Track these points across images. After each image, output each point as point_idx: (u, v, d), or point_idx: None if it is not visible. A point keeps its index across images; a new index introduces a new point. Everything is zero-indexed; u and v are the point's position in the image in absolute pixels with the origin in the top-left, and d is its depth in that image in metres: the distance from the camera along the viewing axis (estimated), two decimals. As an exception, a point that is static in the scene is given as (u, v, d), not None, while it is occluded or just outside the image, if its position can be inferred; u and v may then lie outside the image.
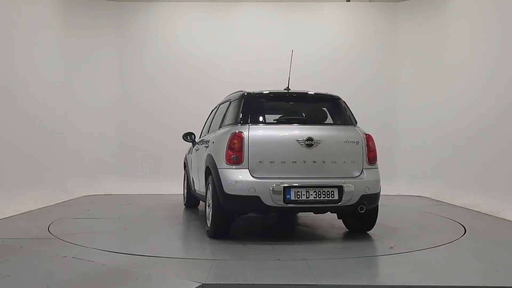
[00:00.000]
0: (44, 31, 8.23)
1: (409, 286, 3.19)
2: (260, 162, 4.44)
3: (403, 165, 9.57)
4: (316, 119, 5.12)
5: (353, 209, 4.56)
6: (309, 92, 5.21)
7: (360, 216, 4.85)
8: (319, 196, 4.39)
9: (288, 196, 4.33)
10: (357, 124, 5.05)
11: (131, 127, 9.70)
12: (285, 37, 9.75)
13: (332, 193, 4.41)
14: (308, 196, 4.38)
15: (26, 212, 6.53)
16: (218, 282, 3.23)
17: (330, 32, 9.84)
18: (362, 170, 4.63)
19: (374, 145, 4.80)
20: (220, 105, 6.00)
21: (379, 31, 9.86)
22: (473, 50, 7.83)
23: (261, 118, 4.83)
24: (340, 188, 4.42)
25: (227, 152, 4.48)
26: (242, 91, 5.19)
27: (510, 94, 6.56)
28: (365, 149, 4.68)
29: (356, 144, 4.65)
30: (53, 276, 3.39)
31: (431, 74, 9.29)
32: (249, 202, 4.36)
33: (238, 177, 4.39)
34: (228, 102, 5.44)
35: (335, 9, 9.89)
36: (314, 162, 4.49)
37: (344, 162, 4.59)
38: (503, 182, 6.65)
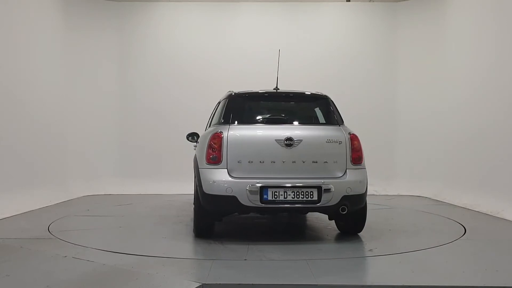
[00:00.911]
0: (44, 31, 8.23)
1: (409, 286, 3.19)
2: (238, 162, 4.45)
3: (403, 165, 9.58)
4: (298, 119, 5.09)
5: (334, 210, 4.49)
6: (294, 92, 5.18)
7: (348, 218, 4.81)
8: (298, 196, 4.36)
9: (265, 196, 4.33)
10: (344, 124, 4.95)
11: (131, 127, 9.70)
12: (285, 37, 9.76)
13: (311, 193, 4.37)
14: (286, 197, 4.36)
15: (26, 212, 6.53)
16: (218, 282, 3.23)
17: (330, 32, 9.84)
18: (346, 170, 4.54)
19: (360, 145, 4.67)
20: (217, 104, 6.03)
21: (379, 31, 9.86)
22: (473, 50, 7.83)
23: (243, 118, 4.86)
24: (319, 189, 4.36)
25: (207, 152, 4.53)
26: (230, 92, 5.20)
27: (510, 94, 6.56)
28: (348, 149, 4.57)
29: (339, 144, 4.57)
30: (53, 276, 3.40)
31: (431, 74, 9.29)
32: (226, 202, 4.38)
33: (216, 177, 4.41)
34: (219, 102, 5.47)
35: (335, 9, 9.90)
36: (294, 162, 4.46)
37: (326, 162, 4.51)
38: (503, 182, 6.65)
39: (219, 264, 3.73)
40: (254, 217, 6.18)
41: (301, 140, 4.49)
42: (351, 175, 4.54)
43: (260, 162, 4.45)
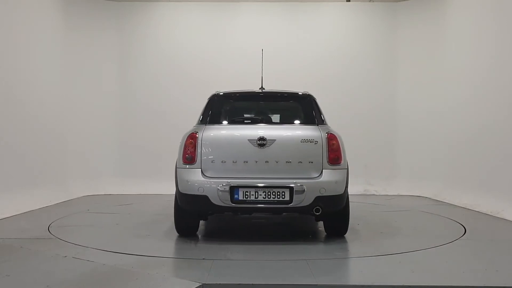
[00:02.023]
0: (44, 31, 8.23)
1: (409, 286, 3.19)
2: (212, 162, 4.50)
3: (403, 165, 9.58)
4: (275, 119, 5.08)
5: (307, 211, 4.43)
6: (276, 92, 5.14)
7: (331, 219, 4.76)
8: (269, 196, 4.34)
9: (236, 196, 4.34)
10: (325, 123, 4.85)
11: (131, 127, 9.70)
12: (285, 37, 9.77)
13: (283, 194, 4.33)
14: (257, 197, 4.35)
15: (26, 212, 6.53)
16: (218, 282, 3.23)
17: (330, 32, 9.84)
18: (322, 171, 4.46)
19: (338, 145, 4.54)
20: None
21: (379, 31, 9.86)
22: (473, 50, 7.83)
23: (220, 119, 4.90)
24: (291, 189, 4.32)
25: (183, 152, 4.59)
26: (214, 92, 5.23)
27: (510, 94, 6.56)
28: (325, 149, 4.48)
29: (315, 144, 4.48)
30: (53, 276, 3.39)
31: (431, 74, 9.28)
32: (199, 202, 4.42)
33: (190, 177, 4.47)
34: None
35: (335, 9, 9.89)
36: (267, 162, 4.44)
37: (300, 162, 4.45)
38: (503, 182, 6.65)
39: (219, 264, 3.73)
40: (253, 217, 6.19)
41: (274, 140, 4.46)
42: (327, 176, 4.44)
43: (233, 162, 4.47)
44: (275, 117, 5.11)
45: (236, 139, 4.55)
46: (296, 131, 4.68)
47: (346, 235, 5.01)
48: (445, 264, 3.84)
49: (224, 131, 4.73)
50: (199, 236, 5.07)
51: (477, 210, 6.88)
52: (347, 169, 4.65)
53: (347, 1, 9.85)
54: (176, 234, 5.03)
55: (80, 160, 9.20)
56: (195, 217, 4.85)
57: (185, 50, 9.74)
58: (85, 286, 3.18)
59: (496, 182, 6.86)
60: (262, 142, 4.44)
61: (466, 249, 4.48)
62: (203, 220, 5.11)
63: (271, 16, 9.84)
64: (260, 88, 5.17)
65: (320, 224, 5.79)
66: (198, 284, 3.16)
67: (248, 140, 4.46)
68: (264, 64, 9.59)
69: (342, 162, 4.56)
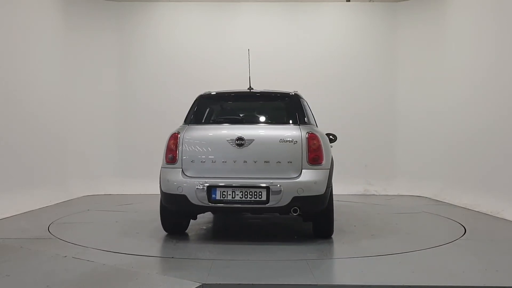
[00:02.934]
0: (44, 31, 8.23)
1: (409, 286, 3.19)
2: (192, 161, 4.54)
3: (403, 165, 9.58)
4: (257, 118, 5.07)
5: (285, 211, 4.41)
6: (260, 91, 5.11)
7: (315, 221, 4.72)
8: (246, 196, 4.34)
9: (213, 196, 4.37)
10: (310, 123, 4.80)
11: (131, 127, 9.70)
12: (285, 37, 9.78)
13: (260, 194, 4.33)
14: (234, 196, 4.36)
15: (26, 212, 6.53)
16: (218, 282, 3.23)
17: (330, 32, 9.84)
18: (301, 171, 4.42)
19: (319, 145, 4.48)
20: None
21: (379, 31, 9.86)
22: (473, 50, 7.83)
23: (202, 119, 4.94)
24: (268, 189, 4.31)
25: (166, 152, 4.69)
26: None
27: (510, 94, 6.56)
28: (305, 149, 4.43)
29: (294, 144, 4.44)
30: (53, 276, 3.39)
31: (431, 74, 9.29)
32: (178, 201, 4.48)
33: (171, 176, 4.55)
34: None
35: (335, 9, 9.90)
36: (245, 162, 4.44)
37: (279, 162, 4.42)
38: (503, 182, 6.65)
39: (219, 264, 3.73)
40: (253, 217, 6.19)
41: (252, 140, 4.46)
42: (306, 176, 4.39)
43: (212, 162, 4.50)
44: (258, 117, 5.10)
45: (215, 139, 4.60)
46: (275, 131, 4.64)
47: (346, 236, 5.01)
48: (445, 264, 3.85)
49: (204, 131, 4.77)
50: (199, 236, 5.07)
51: (477, 210, 6.88)
52: (330, 169, 4.59)
53: (347, 1, 9.85)
54: (177, 234, 5.04)
55: (80, 160, 9.20)
56: (180, 216, 4.91)
57: (185, 50, 9.74)
58: (85, 286, 3.18)
59: (496, 182, 6.86)
60: (240, 142, 4.45)
61: (466, 249, 4.48)
62: (192, 219, 5.15)
63: (271, 16, 9.84)
64: (248, 88, 5.16)
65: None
66: (198, 284, 3.16)
67: (227, 140, 4.49)
68: (264, 64, 9.65)
69: (324, 162, 4.49)
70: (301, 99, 5.01)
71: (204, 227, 5.54)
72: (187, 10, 9.82)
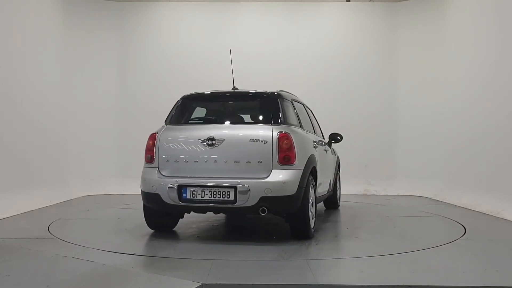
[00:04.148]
0: (44, 31, 8.23)
1: (409, 286, 3.19)
2: (167, 161, 4.64)
3: (403, 165, 9.58)
4: (231, 118, 5.04)
5: (253, 211, 4.39)
6: (240, 91, 5.08)
7: (290, 221, 4.65)
8: (214, 196, 4.38)
9: (184, 195, 4.44)
10: (284, 123, 4.65)
11: (131, 127, 9.69)
12: (285, 37, 9.78)
13: (228, 193, 4.34)
14: (203, 196, 4.40)
15: (26, 212, 6.53)
16: (218, 282, 3.23)
17: (330, 32, 9.84)
18: (271, 170, 4.38)
19: (291, 145, 4.41)
20: None
21: (379, 31, 9.86)
22: (473, 50, 7.83)
23: (179, 119, 4.99)
24: (235, 189, 4.31)
25: (145, 151, 4.82)
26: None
27: (510, 94, 6.56)
28: (275, 148, 4.39)
29: (264, 143, 4.40)
30: (53, 276, 3.40)
31: (431, 74, 9.29)
32: (152, 199, 4.61)
33: (147, 175, 4.70)
34: None
35: (335, 9, 9.90)
36: (216, 162, 4.47)
37: (249, 162, 4.40)
38: (503, 182, 6.65)
39: (219, 264, 3.73)
40: (252, 217, 6.19)
41: (223, 140, 4.48)
42: (274, 176, 4.35)
43: (185, 161, 4.56)
44: (232, 117, 5.09)
45: (188, 139, 4.63)
46: (246, 130, 4.62)
47: (346, 235, 5.01)
48: (445, 264, 3.85)
49: (179, 131, 4.81)
50: (199, 236, 5.07)
51: (477, 210, 6.88)
52: (304, 169, 4.52)
53: (347, 1, 9.85)
54: (177, 234, 5.05)
55: (80, 160, 9.20)
56: (159, 214, 4.98)
57: (185, 50, 9.74)
58: (85, 286, 3.18)
59: (496, 182, 6.86)
60: (211, 142, 4.49)
61: (466, 249, 4.48)
62: (180, 217, 5.21)
63: (271, 16, 9.84)
64: (232, 88, 5.16)
65: (323, 223, 5.79)
66: (198, 284, 3.15)
67: (199, 140, 4.54)
68: (264, 64, 9.66)
69: (296, 162, 4.43)
70: (279, 99, 4.85)
71: (204, 227, 5.54)
72: (187, 10, 9.82)
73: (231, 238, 5.01)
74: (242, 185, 4.29)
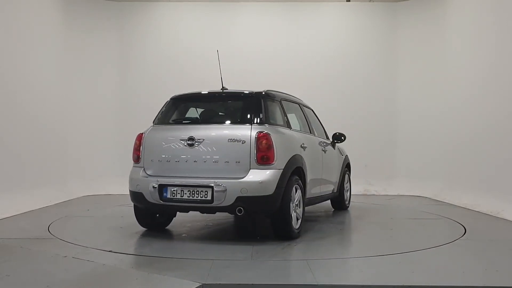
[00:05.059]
0: (44, 31, 8.23)
1: (409, 286, 3.19)
2: (151, 161, 4.74)
3: (403, 165, 9.58)
4: (213, 118, 5.08)
5: (230, 211, 4.41)
6: (225, 92, 5.08)
7: (272, 221, 4.63)
8: (193, 195, 4.43)
9: (165, 194, 4.52)
10: (265, 123, 4.61)
11: (131, 127, 9.60)
12: (285, 37, 9.78)
13: (206, 193, 4.38)
14: (182, 195, 4.46)
15: (26, 212, 6.52)
16: (218, 282, 3.23)
17: (330, 32, 9.84)
18: (249, 170, 4.37)
19: (269, 145, 4.39)
20: None
21: (379, 31, 9.86)
22: (473, 50, 7.83)
23: (165, 120, 5.05)
24: (212, 189, 4.34)
25: (133, 151, 4.93)
26: None
27: (510, 94, 6.56)
28: (253, 148, 4.38)
29: (242, 143, 4.41)
30: (53, 276, 3.39)
31: (431, 74, 9.29)
32: (137, 198, 4.74)
33: (133, 175, 4.82)
34: None
35: (335, 9, 9.90)
36: (195, 161, 4.51)
37: (227, 162, 4.42)
38: (503, 182, 6.65)
39: (219, 264, 3.73)
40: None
41: (202, 140, 4.53)
42: (252, 176, 4.34)
43: (167, 161, 4.64)
44: (214, 117, 5.13)
45: (170, 139, 4.70)
46: (225, 130, 4.62)
47: (345, 236, 5.01)
48: (445, 264, 3.85)
49: (163, 131, 4.88)
50: (199, 236, 5.07)
51: (477, 210, 6.88)
52: (283, 169, 4.49)
53: (347, 1, 9.85)
54: (177, 234, 5.04)
55: (80, 160, 9.20)
56: (147, 213, 5.04)
57: (185, 50, 9.74)
58: (85, 286, 3.18)
59: (496, 182, 6.86)
60: (191, 142, 4.54)
61: (466, 249, 4.48)
62: (173, 216, 5.29)
63: (271, 16, 9.84)
64: (221, 88, 5.18)
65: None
66: (198, 284, 3.15)
67: (180, 140, 4.61)
68: (264, 64, 9.66)
69: (275, 162, 4.41)
70: (262, 99, 4.82)
71: (204, 227, 5.54)
72: (187, 10, 9.82)
73: (231, 238, 5.01)
74: (219, 185, 4.33)
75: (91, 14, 9.47)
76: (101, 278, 3.35)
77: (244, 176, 4.35)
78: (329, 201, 6.89)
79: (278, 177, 4.42)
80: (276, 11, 9.82)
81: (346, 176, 7.17)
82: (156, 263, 3.81)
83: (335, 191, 6.54)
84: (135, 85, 9.76)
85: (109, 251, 4.15)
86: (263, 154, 4.38)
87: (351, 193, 7.53)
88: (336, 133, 6.60)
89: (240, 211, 4.32)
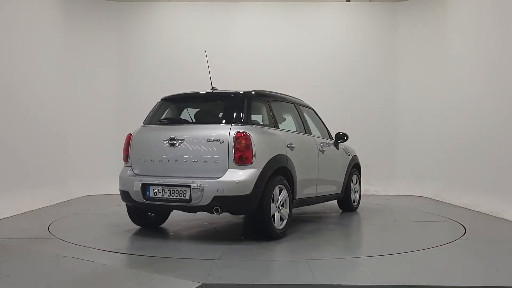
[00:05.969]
0: (44, 31, 8.23)
1: (409, 286, 3.19)
2: (138, 160, 4.86)
3: (403, 165, 9.58)
4: (195, 118, 5.12)
5: (208, 210, 4.43)
6: (212, 92, 5.11)
7: (253, 221, 4.69)
8: (173, 194, 4.50)
9: (147, 193, 4.63)
10: (247, 123, 4.63)
11: (131, 127, 9.52)
12: (285, 37, 9.78)
13: (184, 192, 4.44)
14: (163, 194, 4.54)
15: (26, 212, 6.53)
16: (218, 282, 3.23)
17: (330, 32, 9.84)
18: (227, 170, 4.40)
19: (248, 144, 4.39)
20: None
21: (379, 31, 9.86)
22: (473, 50, 7.83)
23: (152, 120, 5.12)
24: (190, 188, 4.40)
25: (123, 150, 5.04)
26: None
27: (510, 94, 6.56)
28: (231, 148, 4.40)
29: (221, 143, 4.44)
30: (53, 276, 3.39)
31: (431, 74, 9.29)
32: (124, 196, 4.89)
33: (122, 174, 4.96)
34: None
35: (335, 9, 9.89)
36: (176, 161, 4.58)
37: (206, 162, 4.47)
38: (503, 182, 6.65)
39: (219, 264, 3.73)
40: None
41: (183, 140, 4.58)
42: (229, 175, 4.36)
43: (151, 160, 4.74)
44: (196, 117, 5.14)
45: (154, 139, 4.79)
46: (205, 131, 4.64)
47: (345, 236, 5.00)
48: (445, 264, 3.85)
49: (148, 131, 4.99)
50: (199, 236, 5.07)
51: (477, 210, 6.88)
52: (263, 169, 4.47)
53: (347, 1, 9.85)
54: (177, 234, 5.04)
55: (80, 160, 9.20)
56: (137, 211, 5.14)
57: (185, 50, 9.73)
58: (85, 286, 3.18)
59: (496, 182, 6.86)
60: (172, 142, 4.61)
61: (466, 249, 4.48)
62: (166, 214, 5.38)
63: (271, 16, 9.84)
64: (211, 89, 5.22)
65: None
66: (198, 284, 3.15)
67: (163, 140, 4.67)
68: (264, 64, 9.66)
69: (253, 162, 4.41)
70: (246, 99, 4.84)
71: (204, 227, 5.54)
72: (187, 10, 9.83)
73: (231, 238, 5.00)
74: (196, 184, 4.38)
75: (91, 14, 9.47)
76: (101, 278, 3.35)
77: (222, 176, 4.39)
78: (335, 202, 6.86)
79: (257, 177, 4.41)
80: (276, 11, 9.82)
81: (355, 176, 7.03)
82: (156, 263, 3.81)
83: (340, 191, 6.48)
84: (135, 85, 9.76)
85: (109, 251, 4.15)
86: (241, 154, 4.40)
87: (361, 194, 7.35)
88: (339, 132, 6.57)
89: (216, 210, 4.36)
